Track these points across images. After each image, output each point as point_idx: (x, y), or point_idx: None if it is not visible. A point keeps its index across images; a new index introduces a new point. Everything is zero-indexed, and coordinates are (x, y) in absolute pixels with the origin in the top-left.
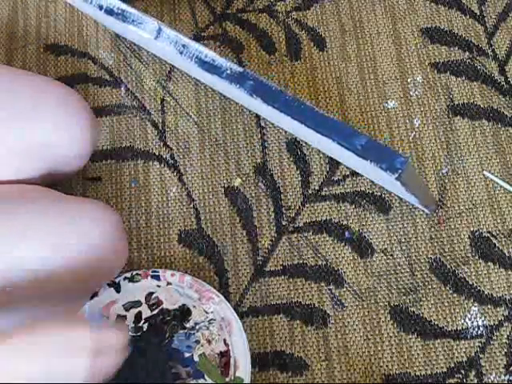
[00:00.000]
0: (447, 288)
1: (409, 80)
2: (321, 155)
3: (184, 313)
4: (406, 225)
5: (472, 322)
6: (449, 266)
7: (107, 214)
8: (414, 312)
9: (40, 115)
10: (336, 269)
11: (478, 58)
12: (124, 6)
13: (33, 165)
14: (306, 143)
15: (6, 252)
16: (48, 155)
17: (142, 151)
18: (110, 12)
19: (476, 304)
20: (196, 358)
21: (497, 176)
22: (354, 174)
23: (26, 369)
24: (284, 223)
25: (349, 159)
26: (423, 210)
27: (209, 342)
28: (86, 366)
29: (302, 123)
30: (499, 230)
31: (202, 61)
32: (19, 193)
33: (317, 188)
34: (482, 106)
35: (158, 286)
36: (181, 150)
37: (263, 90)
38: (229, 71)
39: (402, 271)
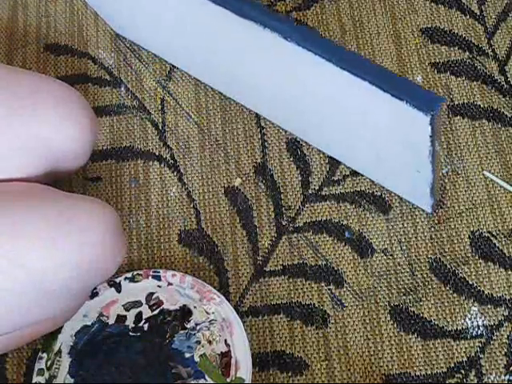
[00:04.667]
0: (447, 288)
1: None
2: (321, 155)
3: (185, 313)
4: (406, 225)
5: (472, 322)
6: (449, 266)
7: (105, 212)
8: (414, 312)
9: (39, 113)
10: (336, 269)
11: (477, 57)
12: None
13: (32, 163)
14: (306, 143)
15: (4, 250)
16: (48, 153)
17: (142, 151)
18: None
19: (476, 304)
20: (197, 359)
21: (497, 176)
22: (354, 173)
23: None
24: (284, 223)
25: (351, 155)
26: (423, 210)
27: (210, 342)
28: None
29: (329, 61)
30: (499, 230)
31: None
32: (18, 191)
33: (317, 188)
34: (481, 105)
35: (159, 287)
36: (181, 150)
37: (298, 31)
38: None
39: (402, 271)
